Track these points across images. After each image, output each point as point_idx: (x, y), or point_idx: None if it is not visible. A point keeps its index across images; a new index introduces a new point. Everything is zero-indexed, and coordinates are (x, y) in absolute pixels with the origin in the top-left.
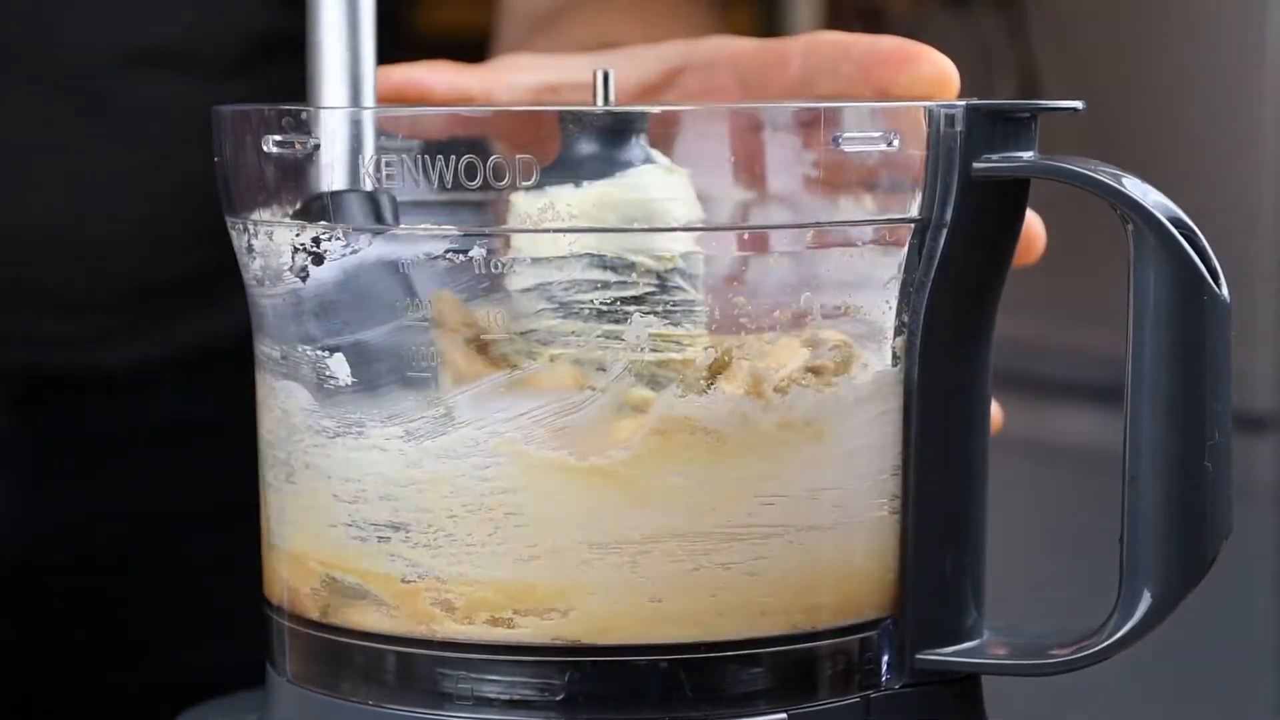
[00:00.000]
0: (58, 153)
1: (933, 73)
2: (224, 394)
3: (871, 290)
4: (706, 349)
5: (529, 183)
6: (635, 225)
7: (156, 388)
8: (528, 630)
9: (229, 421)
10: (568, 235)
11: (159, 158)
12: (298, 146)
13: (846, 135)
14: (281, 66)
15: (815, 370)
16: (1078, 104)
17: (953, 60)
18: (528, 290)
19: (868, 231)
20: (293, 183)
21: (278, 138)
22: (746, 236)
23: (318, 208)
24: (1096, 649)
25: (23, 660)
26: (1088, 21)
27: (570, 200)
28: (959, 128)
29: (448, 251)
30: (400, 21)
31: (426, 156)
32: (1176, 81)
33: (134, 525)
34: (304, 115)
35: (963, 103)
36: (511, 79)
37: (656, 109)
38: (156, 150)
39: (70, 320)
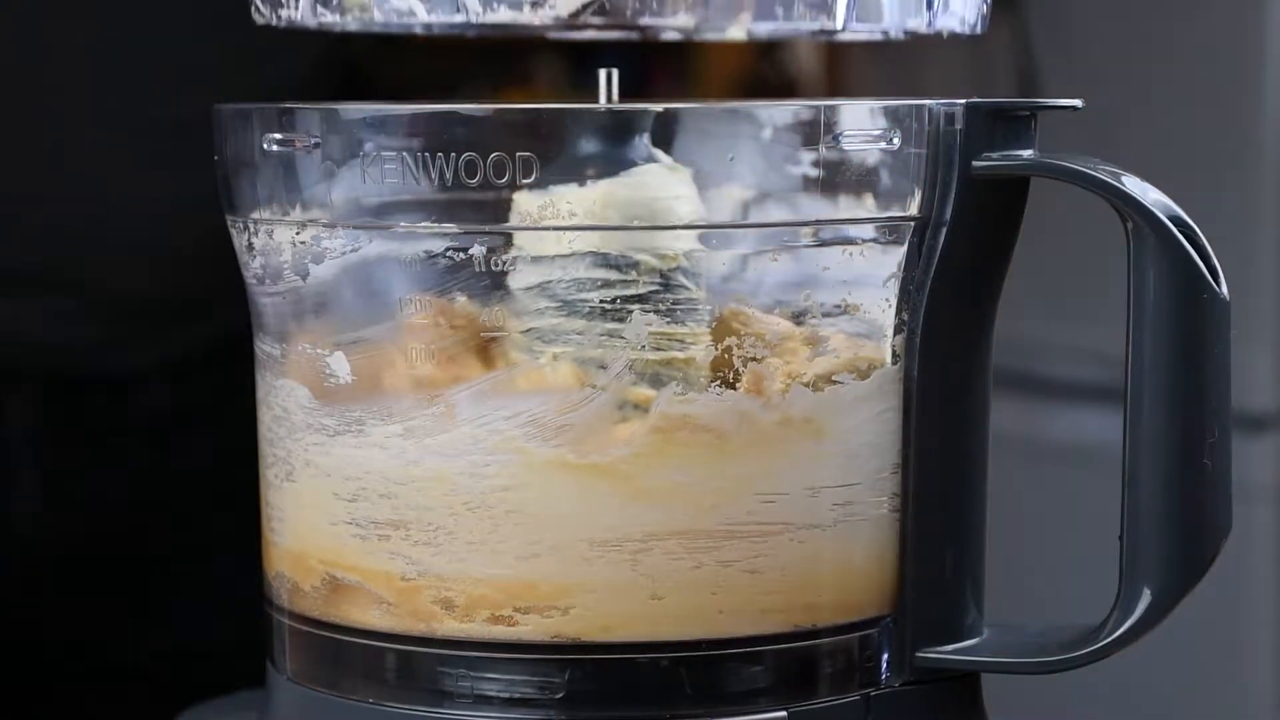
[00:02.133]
0: (104, 175)
1: None
2: (220, 393)
3: (871, 288)
4: (707, 347)
5: (530, 180)
6: (638, 223)
7: (160, 388)
8: (528, 628)
9: (226, 418)
10: (571, 233)
11: (194, 178)
12: (297, 145)
13: (846, 134)
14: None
15: (815, 369)
16: (1077, 102)
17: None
18: (530, 288)
19: (868, 230)
20: (293, 181)
21: (278, 136)
22: (747, 235)
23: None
24: (1096, 647)
25: (33, 639)
26: (1088, 21)
27: (574, 198)
28: (958, 126)
29: (448, 249)
30: (366, 74)
31: (426, 154)
32: (1176, 81)
33: (136, 513)
34: (303, 114)
35: (962, 101)
36: None
37: (658, 107)
38: (193, 171)
39: (89, 329)
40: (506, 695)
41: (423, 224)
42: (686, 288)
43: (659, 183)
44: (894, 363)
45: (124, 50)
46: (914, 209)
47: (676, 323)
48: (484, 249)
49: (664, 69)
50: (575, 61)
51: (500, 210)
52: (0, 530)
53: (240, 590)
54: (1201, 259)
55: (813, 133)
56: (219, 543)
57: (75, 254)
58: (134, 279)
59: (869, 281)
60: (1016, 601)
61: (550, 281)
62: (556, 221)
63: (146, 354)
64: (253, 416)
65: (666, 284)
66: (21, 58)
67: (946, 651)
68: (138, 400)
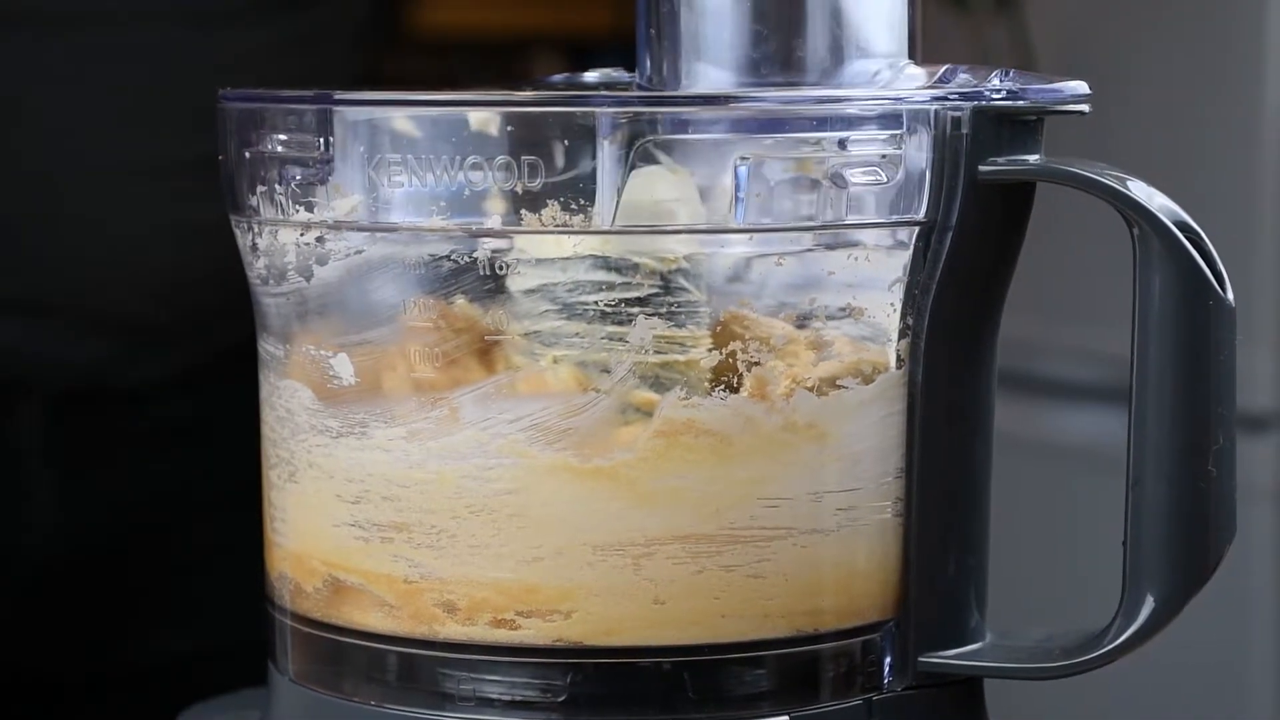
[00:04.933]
0: (109, 198)
1: None
2: (222, 401)
3: (876, 292)
4: (710, 351)
5: (534, 183)
6: (640, 226)
7: (164, 398)
8: (530, 631)
9: (229, 425)
10: (574, 236)
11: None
12: (302, 145)
13: (853, 137)
14: None
15: (819, 373)
16: (1083, 106)
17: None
18: (531, 291)
19: (873, 234)
20: (297, 182)
21: (283, 136)
22: (751, 238)
23: None
24: (1099, 653)
25: (37, 640)
26: (1088, 22)
27: (576, 202)
28: (965, 130)
29: (452, 252)
30: (400, 21)
31: (431, 156)
32: (1177, 82)
33: (144, 518)
34: (309, 114)
35: (969, 105)
36: None
37: (661, 110)
38: (199, 190)
39: (98, 344)
40: (508, 698)
41: (427, 226)
42: (687, 290)
43: (660, 186)
44: (898, 367)
45: (131, 74)
46: (920, 213)
47: (679, 326)
48: (487, 252)
49: None
50: (576, 62)
51: (504, 213)
52: (11, 536)
53: (242, 591)
54: (1207, 265)
55: (819, 136)
56: (221, 545)
57: (80, 274)
58: (141, 297)
59: (874, 285)
60: (1019, 606)
61: (551, 285)
62: (558, 225)
63: (153, 367)
64: (256, 424)
65: (667, 287)
66: (25, 83)
67: (949, 656)
68: (144, 410)
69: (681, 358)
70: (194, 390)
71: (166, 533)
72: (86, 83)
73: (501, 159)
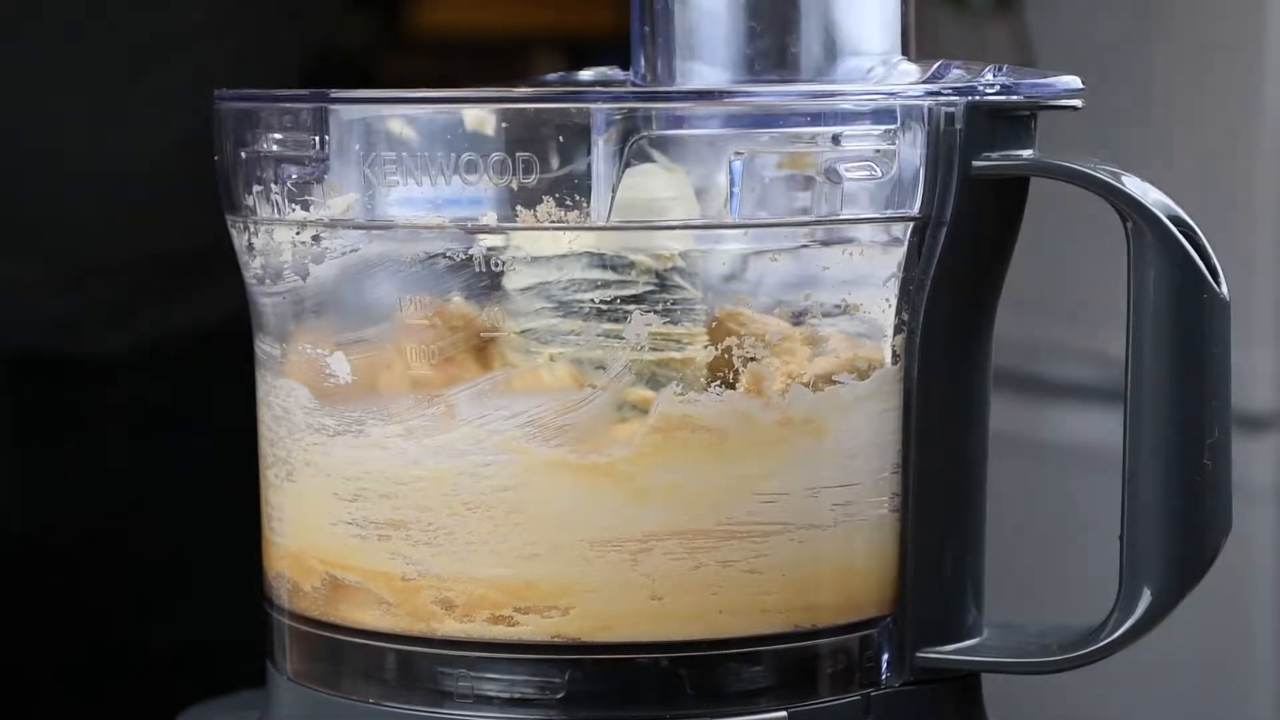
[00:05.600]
0: (90, 142)
1: None
2: (205, 382)
3: (871, 288)
4: (706, 347)
5: (529, 181)
6: (634, 222)
7: (139, 373)
8: (528, 628)
9: (208, 408)
10: (569, 234)
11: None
12: (298, 144)
13: (847, 133)
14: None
15: (815, 369)
16: (1076, 102)
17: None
18: (527, 289)
19: (867, 230)
20: (293, 181)
21: (278, 135)
22: (746, 234)
23: None
24: (1097, 647)
25: (34, 639)
26: (1088, 21)
27: (572, 199)
28: (959, 126)
29: (448, 250)
30: (400, 21)
31: (426, 154)
32: (1176, 81)
33: (137, 513)
34: (305, 112)
35: (963, 100)
36: None
37: (656, 107)
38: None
39: (62, 305)
40: (506, 695)
41: (422, 223)
42: (683, 288)
43: (655, 183)
44: (894, 362)
45: (103, 23)
46: (914, 209)
47: (674, 323)
48: (483, 249)
49: None
50: (576, 62)
51: (500, 210)
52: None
53: (240, 590)
54: (1202, 259)
55: (813, 131)
56: (219, 542)
57: (36, 216)
58: (99, 241)
59: (869, 281)
60: (1016, 601)
61: (547, 283)
62: (554, 222)
63: (124, 338)
64: (249, 413)
65: (663, 284)
66: None
67: (947, 652)
68: (141, 402)
69: (677, 355)
70: (189, 381)
71: (160, 528)
72: (61, 37)
73: (497, 156)
